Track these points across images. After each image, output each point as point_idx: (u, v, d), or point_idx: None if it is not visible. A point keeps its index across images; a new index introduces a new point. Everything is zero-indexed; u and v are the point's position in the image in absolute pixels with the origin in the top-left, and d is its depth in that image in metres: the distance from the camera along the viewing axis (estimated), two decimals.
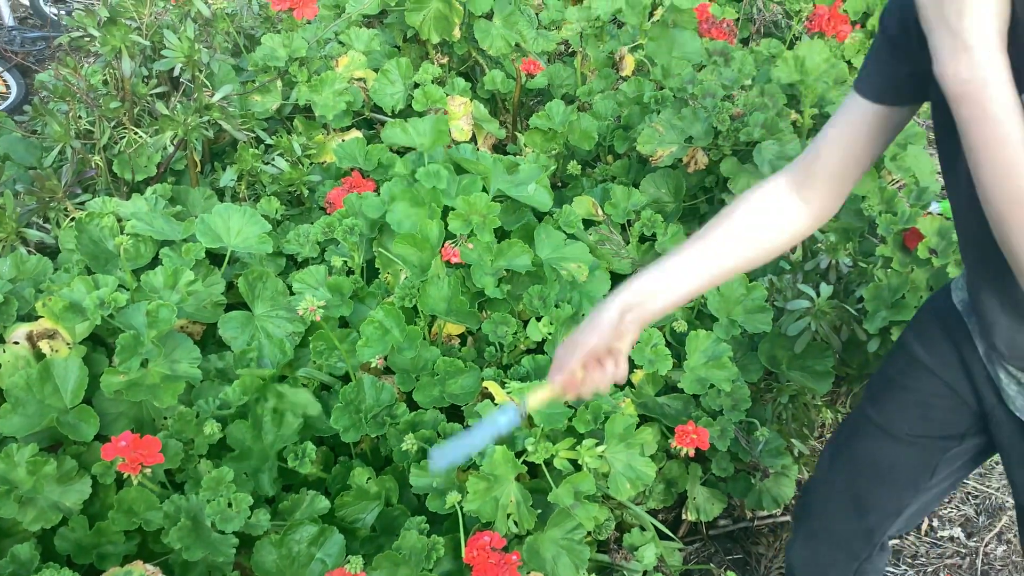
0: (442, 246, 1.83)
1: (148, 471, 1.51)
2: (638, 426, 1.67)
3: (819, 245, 2.00)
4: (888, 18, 1.08)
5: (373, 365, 1.72)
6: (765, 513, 2.17)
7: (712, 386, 1.84)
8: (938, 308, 1.31)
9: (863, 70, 1.14)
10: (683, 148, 2.23)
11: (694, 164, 2.22)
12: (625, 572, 1.81)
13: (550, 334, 1.76)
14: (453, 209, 1.85)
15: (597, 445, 1.61)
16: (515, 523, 1.58)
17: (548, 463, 1.61)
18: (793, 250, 2.07)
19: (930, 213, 2.09)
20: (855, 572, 1.55)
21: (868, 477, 1.41)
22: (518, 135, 2.61)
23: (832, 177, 1.16)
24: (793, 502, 2.22)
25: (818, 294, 1.91)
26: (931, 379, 1.29)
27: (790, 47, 2.61)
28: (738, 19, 3.23)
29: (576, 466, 1.62)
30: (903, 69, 1.07)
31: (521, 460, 1.60)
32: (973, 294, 1.19)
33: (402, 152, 2.48)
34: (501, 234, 1.87)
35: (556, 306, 1.81)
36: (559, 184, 2.55)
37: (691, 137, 2.21)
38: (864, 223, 2.12)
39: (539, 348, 1.83)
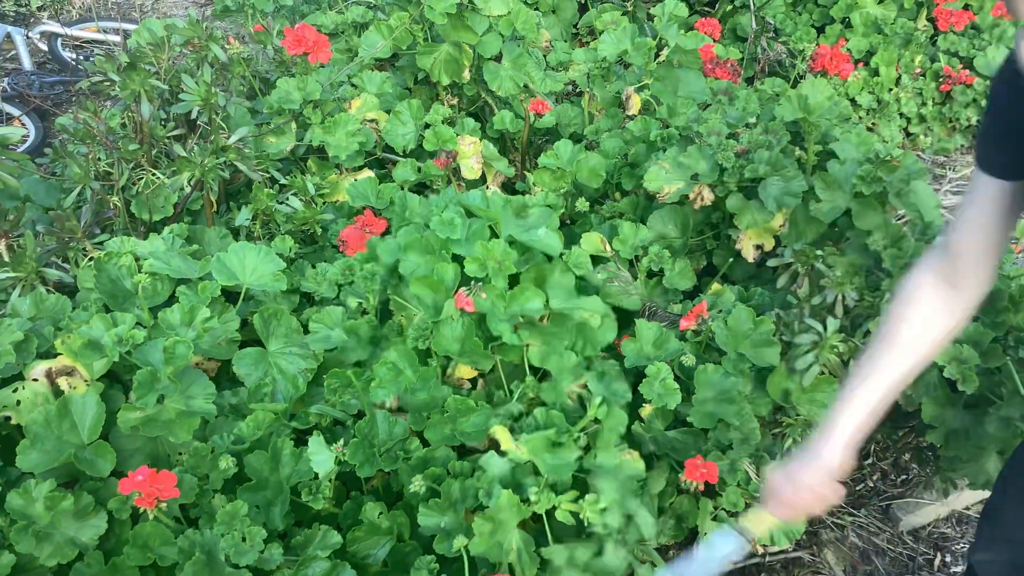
0: (456, 289, 1.85)
1: (164, 506, 1.52)
2: (649, 466, 1.67)
3: (825, 280, 2.01)
4: (998, 87, 1.09)
5: (387, 404, 1.73)
6: (776, 548, 2.16)
7: (721, 420, 1.85)
8: None
9: (981, 146, 1.16)
10: (689, 185, 2.26)
11: (700, 200, 2.25)
12: None
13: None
14: (462, 257, 1.86)
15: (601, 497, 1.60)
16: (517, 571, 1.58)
17: (550, 513, 1.60)
18: (800, 285, 2.09)
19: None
20: None
21: None
22: (527, 173, 2.65)
23: (978, 260, 1.20)
24: (804, 537, 2.22)
25: (825, 328, 1.92)
26: None
27: (794, 86, 2.66)
28: (742, 59, 3.29)
29: (579, 521, 1.60)
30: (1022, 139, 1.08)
31: (525, 507, 1.60)
32: None
33: (416, 190, 2.53)
34: (511, 278, 1.90)
35: (560, 355, 1.82)
36: (568, 221, 2.58)
37: (697, 174, 2.24)
38: (870, 258, 2.13)
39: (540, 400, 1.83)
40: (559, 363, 1.83)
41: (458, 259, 1.89)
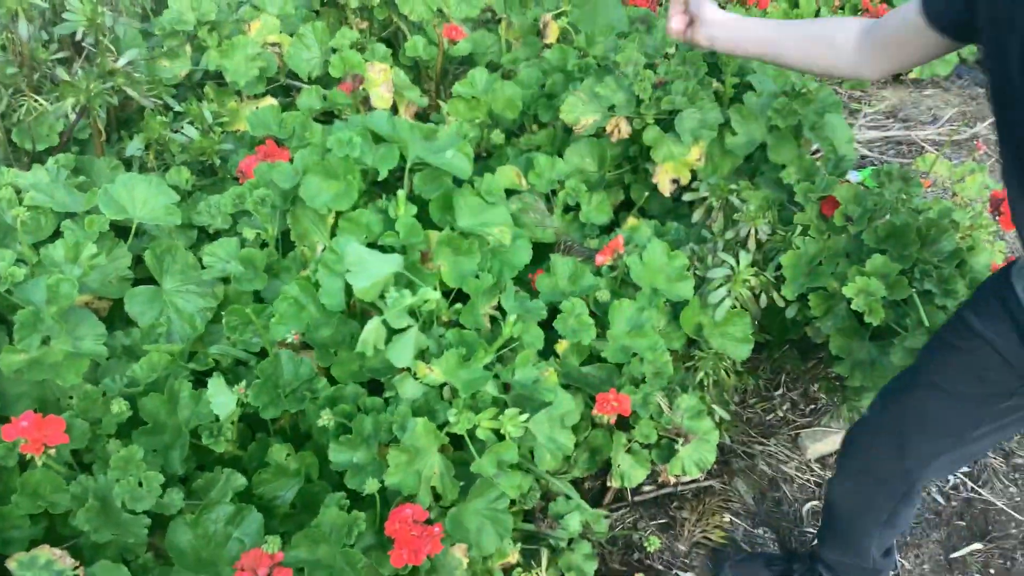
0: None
1: (52, 452, 1.47)
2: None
3: (739, 214, 2.05)
4: None
5: (289, 341, 1.70)
6: (688, 478, 2.21)
7: (635, 355, 1.88)
8: (997, 289, 1.39)
9: None
10: (606, 117, 2.25)
11: (617, 133, 2.25)
12: (551, 540, 1.84)
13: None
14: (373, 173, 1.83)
15: (521, 414, 1.63)
16: (438, 495, 1.59)
17: (471, 434, 1.62)
18: (715, 220, 2.12)
19: (847, 181, 2.17)
20: (890, 512, 1.68)
21: (914, 423, 1.53)
22: (441, 104, 2.59)
23: (882, 51, 1.41)
24: (715, 467, 2.30)
25: (738, 262, 1.96)
26: (986, 349, 1.39)
27: None
28: None
29: (499, 436, 1.64)
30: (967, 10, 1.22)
31: (444, 431, 1.62)
32: None
33: (321, 120, 2.45)
34: (420, 203, 1.87)
35: (476, 276, 1.81)
36: (483, 154, 2.54)
37: (614, 106, 2.23)
38: (783, 192, 2.18)
39: (458, 322, 1.83)
40: (475, 285, 1.82)
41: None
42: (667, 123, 2.23)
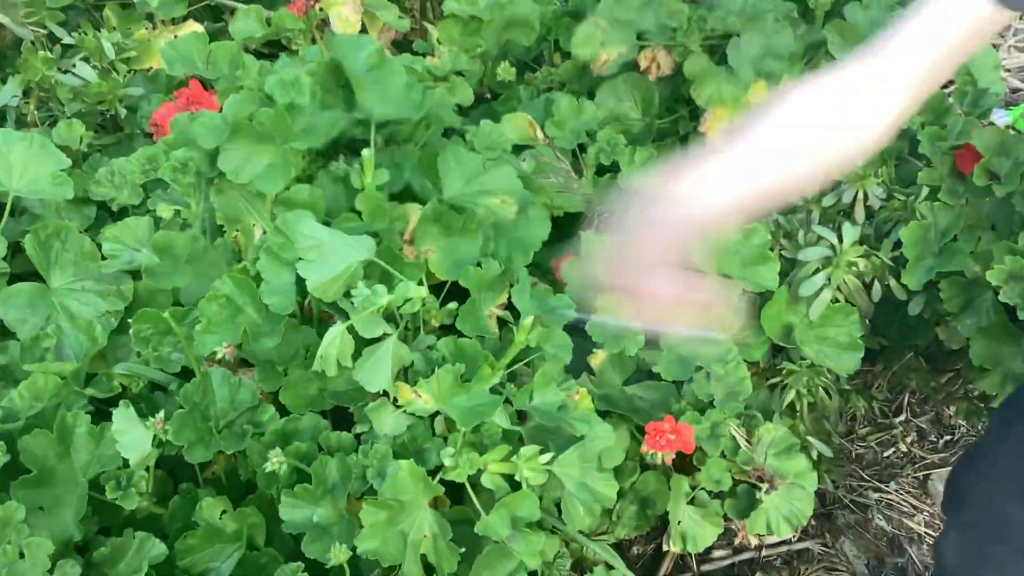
0: None
1: None
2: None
3: None
4: None
5: (221, 356, 1.70)
6: (776, 539, 2.22)
7: (699, 368, 1.87)
8: None
9: None
10: (634, 48, 2.24)
11: (656, 69, 2.24)
12: None
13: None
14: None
15: (542, 452, 1.63)
16: (431, 566, 1.59)
17: (474, 481, 1.62)
18: None
19: (991, 123, 2.15)
20: None
21: None
22: (428, 27, 2.59)
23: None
24: (814, 522, 2.29)
25: (841, 239, 1.95)
26: None
27: None
28: None
29: (513, 484, 1.64)
30: None
31: (437, 479, 1.61)
32: None
33: (264, 54, 2.45)
34: (394, 167, 1.87)
35: (477, 265, 1.81)
36: (487, 96, 2.54)
37: (643, 32, 2.22)
38: (902, 140, 2.16)
39: (453, 327, 1.83)
40: (476, 276, 1.82)
41: None
42: (718, 50, 2.23)
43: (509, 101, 2.41)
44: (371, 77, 1.94)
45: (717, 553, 2.21)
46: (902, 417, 2.54)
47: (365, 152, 1.83)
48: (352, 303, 1.61)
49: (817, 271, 1.95)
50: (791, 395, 2.00)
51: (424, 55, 2.48)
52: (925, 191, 2.07)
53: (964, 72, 2.22)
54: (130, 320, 1.77)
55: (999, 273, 1.88)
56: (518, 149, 2.15)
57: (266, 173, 1.83)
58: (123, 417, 1.58)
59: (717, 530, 1.93)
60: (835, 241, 1.95)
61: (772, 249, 1.97)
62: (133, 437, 1.58)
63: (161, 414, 1.62)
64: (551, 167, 2.13)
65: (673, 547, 1.93)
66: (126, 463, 1.60)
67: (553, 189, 2.11)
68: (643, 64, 2.23)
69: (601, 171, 2.23)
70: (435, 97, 2.05)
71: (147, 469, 1.63)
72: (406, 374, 1.71)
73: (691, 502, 1.93)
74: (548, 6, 2.52)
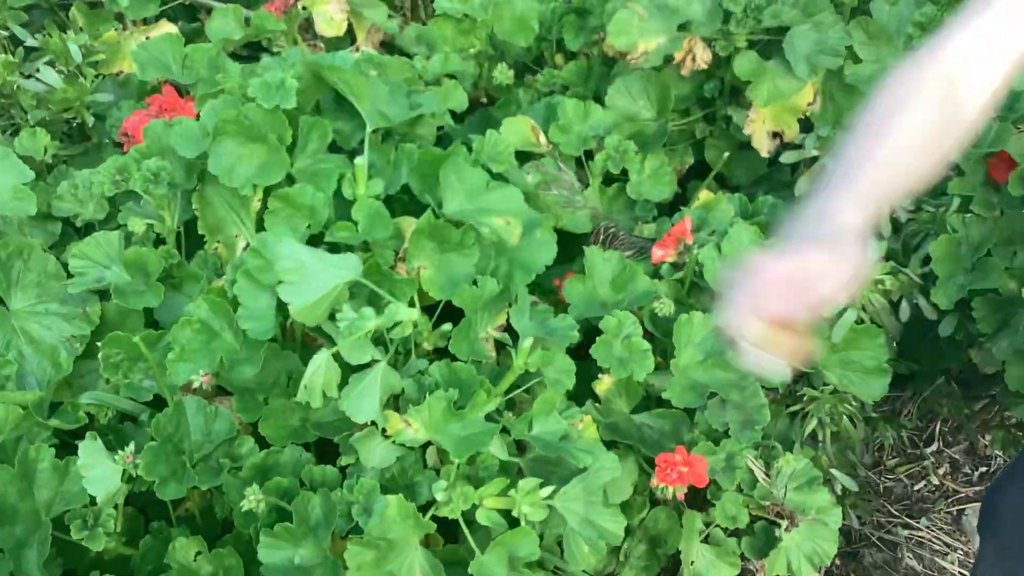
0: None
1: None
2: None
3: None
4: None
5: (197, 384, 1.71)
6: None
7: (713, 395, 1.87)
8: None
9: None
10: (676, 39, 2.25)
11: (691, 62, 2.25)
12: None
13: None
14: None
15: (543, 485, 1.63)
16: None
17: (469, 518, 1.62)
18: None
19: None
20: None
21: None
22: (419, 27, 2.60)
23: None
24: (838, 562, 2.29)
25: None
26: None
27: None
28: None
29: (512, 521, 1.64)
30: None
31: (428, 515, 1.62)
32: None
33: (243, 56, 2.46)
34: (387, 174, 1.88)
35: (473, 283, 1.82)
36: (483, 100, 2.55)
37: (689, 22, 2.23)
38: None
39: (447, 350, 1.84)
40: (472, 296, 1.83)
41: None
42: (765, 47, 2.24)
43: (507, 106, 2.43)
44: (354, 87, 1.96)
45: None
46: (934, 447, 2.54)
47: (358, 160, 1.85)
48: (338, 327, 1.62)
49: None
50: (813, 424, 2.00)
51: (414, 56, 2.50)
52: (956, 202, 2.07)
53: None
54: (98, 344, 1.78)
55: None
56: (521, 156, 2.16)
57: (261, 172, 1.85)
58: (90, 450, 1.59)
59: (733, 571, 1.93)
60: None
61: None
62: (100, 472, 1.58)
63: (131, 447, 1.63)
64: (554, 178, 2.14)
65: None
66: (93, 500, 1.60)
67: (557, 203, 2.12)
68: (679, 56, 2.24)
69: (609, 181, 2.24)
70: (425, 102, 2.08)
71: (116, 507, 1.63)
72: (396, 402, 1.72)
73: (705, 540, 1.93)
74: (548, 4, 2.53)
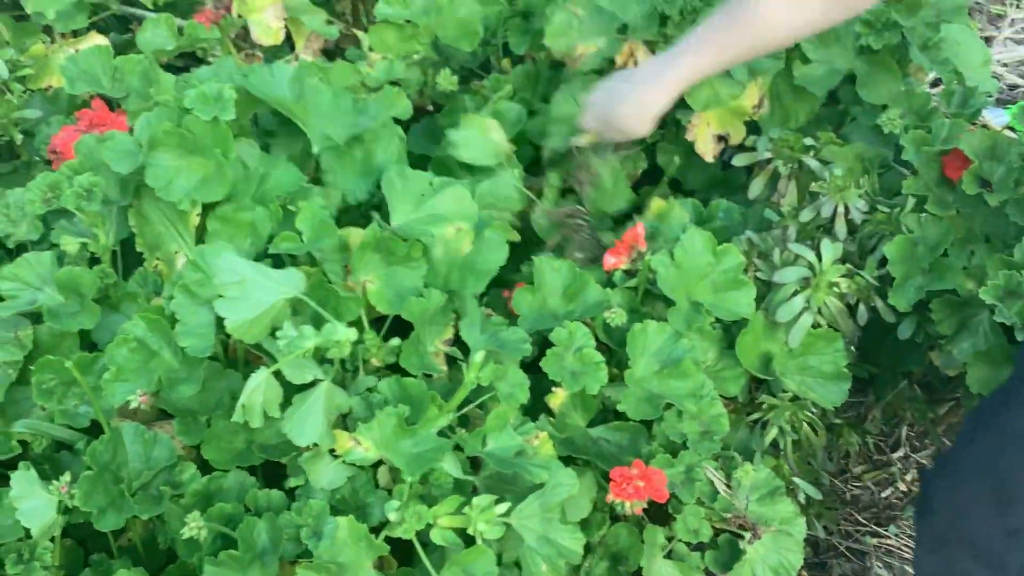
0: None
1: None
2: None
3: (819, 184, 2.07)
4: None
5: (135, 406, 1.70)
6: None
7: (670, 406, 1.89)
8: None
9: None
10: (614, 43, 2.27)
11: (633, 66, 2.27)
12: None
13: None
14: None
15: (498, 502, 1.64)
16: None
17: (423, 539, 1.63)
18: (783, 193, 2.15)
19: (983, 125, 2.19)
20: None
21: (1018, 457, 1.56)
22: (359, 34, 2.61)
23: None
24: (805, 574, 2.31)
25: (820, 257, 1.97)
26: None
27: None
28: None
29: (467, 540, 1.65)
30: None
31: (381, 536, 1.63)
32: None
33: (177, 67, 2.46)
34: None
35: (419, 295, 1.83)
36: (428, 107, 2.56)
37: (626, 25, 2.26)
38: (885, 146, 2.20)
39: (397, 366, 1.84)
40: (419, 308, 1.84)
41: None
42: None
43: (453, 113, 2.43)
44: (295, 98, 1.97)
45: None
46: (900, 453, 2.57)
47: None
48: (279, 344, 1.62)
49: (795, 294, 1.97)
50: (773, 432, 2.01)
51: (355, 62, 2.50)
52: (911, 202, 2.09)
53: (950, 69, 2.26)
54: (31, 369, 1.77)
55: (994, 290, 1.91)
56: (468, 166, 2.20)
57: (201, 186, 1.86)
58: (23, 481, 1.58)
59: None
60: (814, 260, 1.97)
61: (746, 271, 2.00)
62: (35, 503, 1.58)
63: (67, 476, 1.62)
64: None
65: None
66: (28, 533, 1.60)
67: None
68: (619, 61, 2.26)
69: (566, 192, 2.27)
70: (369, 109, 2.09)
71: (52, 539, 1.63)
72: (345, 421, 1.72)
73: (668, 556, 1.94)
74: (493, 7, 2.54)
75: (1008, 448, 1.57)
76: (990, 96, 2.28)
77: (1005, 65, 3.54)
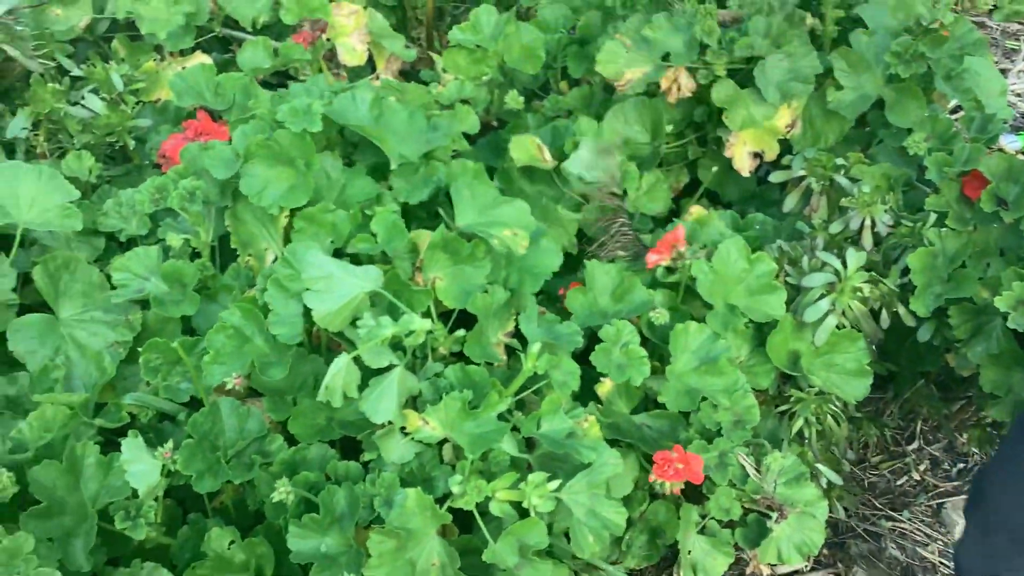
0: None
1: None
2: None
3: (848, 199, 2.06)
4: None
5: (230, 387, 1.73)
6: (788, 568, 2.23)
7: (706, 399, 1.89)
8: None
9: None
10: (659, 69, 2.27)
11: (676, 91, 2.27)
12: None
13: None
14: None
15: (550, 479, 1.65)
16: None
17: (483, 509, 1.64)
18: (815, 208, 2.14)
19: (1000, 149, 2.17)
20: None
21: None
22: (434, 57, 2.62)
23: None
24: (826, 552, 2.30)
25: (846, 265, 1.96)
26: None
27: None
28: None
29: (522, 512, 1.65)
30: None
31: (445, 506, 1.64)
32: None
33: (272, 84, 2.49)
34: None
35: (484, 291, 1.84)
36: (494, 123, 2.57)
37: (669, 54, 2.25)
38: (909, 166, 2.18)
39: (462, 354, 1.85)
40: (483, 304, 1.85)
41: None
42: (745, 75, 2.25)
43: (517, 129, 2.43)
44: (373, 120, 1.99)
45: None
46: (915, 445, 2.54)
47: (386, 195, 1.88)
48: (358, 333, 1.64)
49: (822, 297, 1.96)
50: (799, 423, 2.00)
51: (430, 83, 2.52)
52: (933, 217, 2.08)
53: (970, 97, 2.24)
54: (139, 350, 1.80)
55: (1008, 299, 1.90)
56: (527, 171, 2.21)
57: (288, 193, 1.88)
58: (132, 447, 1.61)
59: (728, 560, 1.94)
60: (839, 267, 1.96)
61: (778, 276, 1.99)
62: (142, 467, 1.60)
63: (170, 444, 1.65)
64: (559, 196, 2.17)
65: None
66: (135, 493, 1.62)
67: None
68: (664, 85, 2.26)
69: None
70: (441, 125, 2.10)
71: (156, 499, 1.65)
72: (414, 402, 1.74)
73: (701, 531, 1.94)
74: (554, 35, 2.55)
75: None
76: (1006, 123, 2.25)
77: (1019, 95, 3.49)
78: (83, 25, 2.41)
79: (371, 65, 2.59)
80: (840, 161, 2.14)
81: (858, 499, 2.41)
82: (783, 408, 2.04)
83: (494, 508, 1.64)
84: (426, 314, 1.78)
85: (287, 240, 1.91)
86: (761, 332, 2.03)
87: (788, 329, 2.00)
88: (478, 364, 1.81)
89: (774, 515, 1.91)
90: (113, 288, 1.89)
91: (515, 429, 1.74)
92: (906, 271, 2.04)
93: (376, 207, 1.90)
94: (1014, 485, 1.64)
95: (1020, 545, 1.66)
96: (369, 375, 1.68)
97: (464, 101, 2.38)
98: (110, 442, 1.72)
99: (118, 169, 2.28)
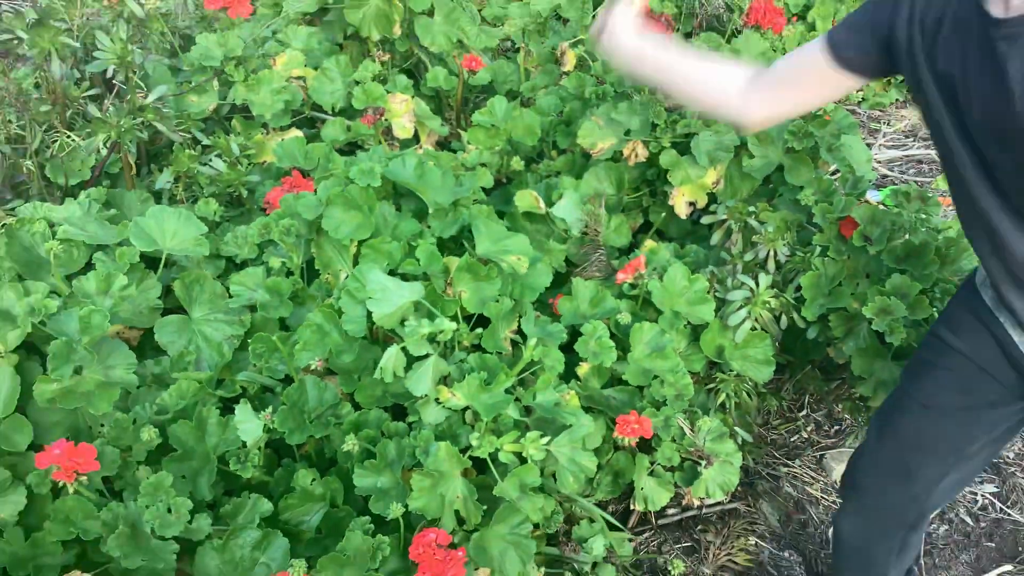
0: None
1: (84, 479, 1.49)
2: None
3: (758, 236, 2.04)
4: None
5: (313, 367, 1.72)
6: (712, 501, 2.20)
7: (656, 377, 1.87)
8: (967, 300, 1.40)
9: (841, 29, 1.27)
10: (623, 141, 2.26)
11: (634, 156, 2.26)
12: (575, 564, 1.83)
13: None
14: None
15: (542, 436, 1.63)
16: (462, 519, 1.60)
17: (493, 457, 1.63)
18: (734, 242, 2.12)
19: (866, 201, 2.16)
20: (901, 541, 1.65)
21: (913, 448, 1.51)
22: (461, 132, 2.62)
23: (772, 92, 1.40)
24: (740, 489, 2.28)
25: (758, 284, 1.95)
26: (966, 362, 1.39)
27: (729, 41, 2.67)
28: (679, 14, 3.28)
29: (521, 460, 1.64)
30: (878, 45, 1.21)
31: (466, 455, 1.62)
32: (996, 290, 1.30)
33: (345, 151, 2.49)
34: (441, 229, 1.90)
35: (496, 301, 1.83)
36: (503, 180, 2.57)
37: (630, 130, 2.25)
38: (802, 213, 2.17)
39: (479, 346, 1.84)
40: (495, 310, 1.84)
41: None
42: (684, 146, 2.24)
43: (519, 185, 2.43)
44: (417, 178, 1.98)
45: (670, 511, 2.19)
46: (804, 412, 2.53)
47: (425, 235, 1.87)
48: (405, 330, 1.63)
49: (741, 307, 1.96)
50: (722, 397, 1.99)
51: (458, 151, 2.51)
52: (818, 250, 2.07)
53: (845, 164, 2.23)
54: (249, 341, 1.80)
55: (872, 309, 1.90)
56: (527, 215, 2.19)
57: (356, 230, 1.88)
58: (243, 411, 1.61)
59: (669, 494, 1.92)
60: (753, 286, 1.96)
61: (708, 292, 1.98)
62: (249, 425, 1.61)
63: (269, 409, 1.65)
64: (551, 232, 2.16)
65: (638, 506, 1.92)
66: (244, 444, 1.62)
67: (556, 249, 2.14)
68: (626, 153, 2.26)
69: (586, 233, 2.25)
70: (465, 182, 2.10)
71: (259, 449, 1.65)
72: (445, 380, 1.73)
73: (651, 474, 1.92)
74: (547, 117, 2.55)
75: (908, 443, 1.52)
76: (871, 182, 2.24)
77: (880, 162, 3.49)
78: (211, 108, 2.41)
79: (416, 138, 2.58)
80: (752, 208, 2.13)
81: (763, 452, 2.39)
82: (711, 386, 2.02)
83: (502, 457, 1.63)
84: (454, 317, 1.77)
85: (355, 263, 1.91)
86: (696, 331, 2.01)
87: (716, 330, 1.99)
88: (491, 353, 1.80)
89: (703, 463, 1.90)
90: (231, 296, 1.89)
91: (517, 400, 1.73)
92: (799, 288, 2.04)
93: (419, 240, 1.90)
94: (873, 469, 1.61)
95: (883, 518, 1.63)
96: (412, 360, 1.67)
97: (482, 164, 2.38)
98: (227, 407, 1.71)
99: (234, 211, 2.27)
